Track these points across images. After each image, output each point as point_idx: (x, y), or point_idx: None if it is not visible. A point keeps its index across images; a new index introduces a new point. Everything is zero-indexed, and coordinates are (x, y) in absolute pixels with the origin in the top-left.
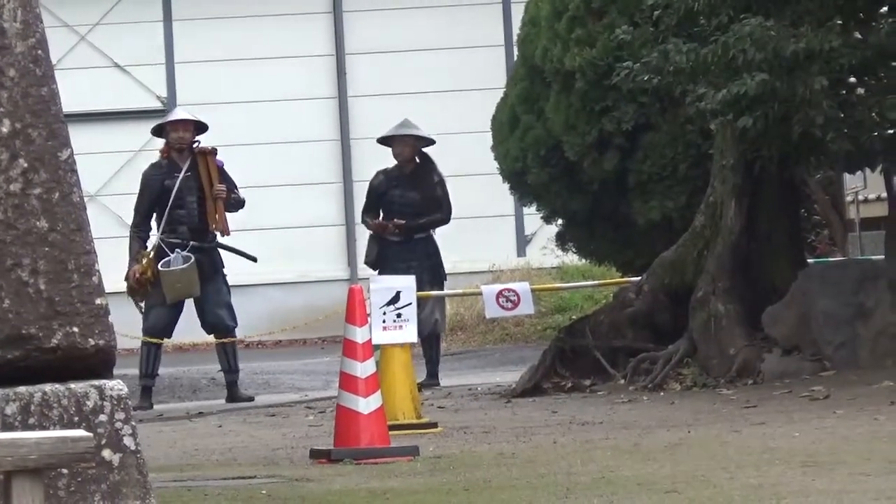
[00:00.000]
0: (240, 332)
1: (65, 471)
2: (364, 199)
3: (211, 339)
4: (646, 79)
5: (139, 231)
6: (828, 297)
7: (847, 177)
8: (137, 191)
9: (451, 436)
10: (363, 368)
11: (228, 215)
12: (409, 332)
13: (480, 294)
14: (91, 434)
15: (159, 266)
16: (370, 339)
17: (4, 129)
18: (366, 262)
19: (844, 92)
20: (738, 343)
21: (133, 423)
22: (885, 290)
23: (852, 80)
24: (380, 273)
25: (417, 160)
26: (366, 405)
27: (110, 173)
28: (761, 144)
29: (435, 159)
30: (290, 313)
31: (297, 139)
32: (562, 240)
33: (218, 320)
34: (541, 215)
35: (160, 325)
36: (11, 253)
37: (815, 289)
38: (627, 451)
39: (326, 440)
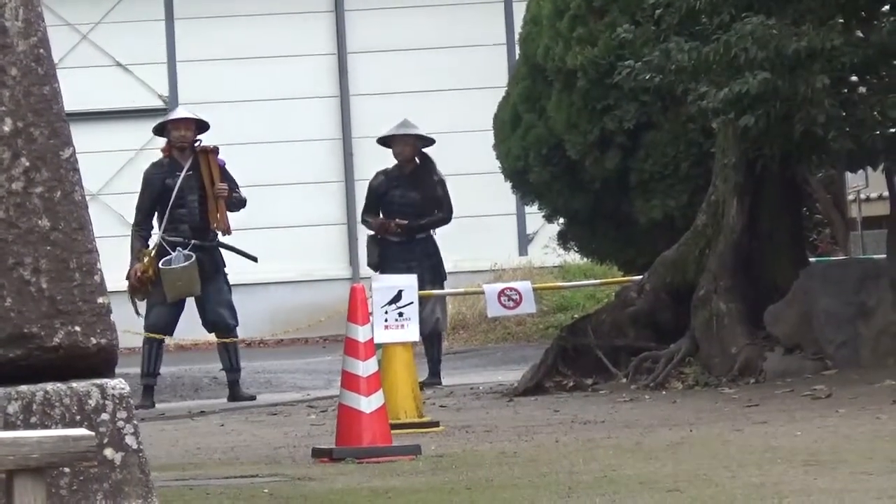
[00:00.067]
0: (242, 332)
1: (67, 470)
2: (364, 200)
3: (212, 337)
4: (647, 77)
5: (140, 230)
6: (829, 295)
7: (849, 175)
8: (139, 190)
9: (453, 435)
10: (365, 367)
11: (229, 214)
12: (410, 331)
13: (482, 293)
14: (93, 433)
15: (160, 264)
16: (372, 338)
17: (6, 128)
18: (369, 265)
19: (846, 90)
20: (740, 342)
21: (135, 422)
22: (886, 289)
23: (854, 78)
24: (381, 273)
25: (417, 160)
26: (368, 404)
27: (112, 172)
28: (763, 143)
29: (436, 158)
30: (291, 312)
31: (298, 138)
32: (563, 239)
33: (219, 319)
34: (542, 214)
35: (161, 323)
36: (13, 252)
37: (817, 288)
38: (629, 449)
39: (328, 439)
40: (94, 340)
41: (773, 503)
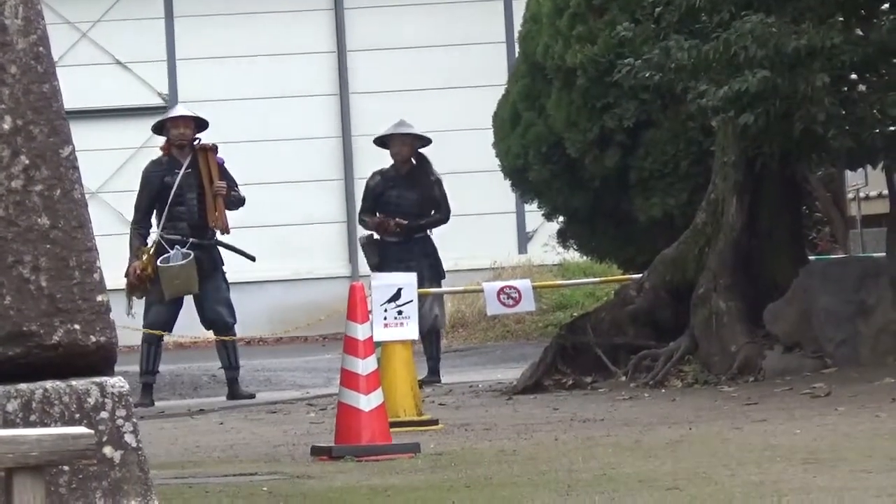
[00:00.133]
0: (241, 330)
1: (66, 468)
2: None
3: (212, 335)
4: (647, 75)
5: (139, 228)
6: (829, 294)
7: (848, 174)
8: (138, 188)
9: (452, 433)
10: (364, 365)
11: (229, 213)
12: (410, 329)
13: (482, 291)
14: (92, 431)
15: (158, 262)
16: (371, 336)
17: (6, 126)
18: (370, 267)
19: (846, 89)
20: (740, 340)
21: (134, 420)
22: (886, 288)
23: (854, 76)
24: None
25: (413, 161)
26: (367, 402)
27: (112, 170)
28: (763, 141)
29: (436, 156)
30: (291, 310)
31: (298, 136)
32: (563, 237)
33: (217, 317)
34: (542, 212)
35: (160, 321)
36: (13, 250)
37: (817, 286)
38: (629, 448)
39: (327, 437)
40: (93, 338)
41: (772, 501)
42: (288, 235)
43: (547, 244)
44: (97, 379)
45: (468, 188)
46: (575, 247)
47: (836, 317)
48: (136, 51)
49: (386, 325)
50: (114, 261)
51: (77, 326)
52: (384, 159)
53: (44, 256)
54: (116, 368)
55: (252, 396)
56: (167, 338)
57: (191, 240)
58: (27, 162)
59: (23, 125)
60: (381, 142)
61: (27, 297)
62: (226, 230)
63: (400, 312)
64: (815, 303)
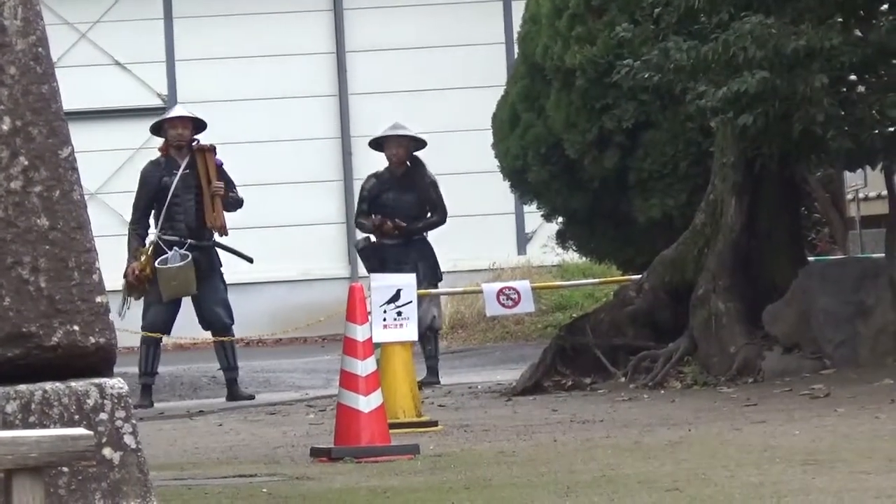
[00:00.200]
0: (240, 331)
1: (65, 469)
2: (357, 203)
3: (210, 336)
4: (646, 76)
5: (137, 228)
6: (828, 295)
7: (847, 175)
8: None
9: (452, 434)
10: (364, 367)
11: (227, 215)
12: (409, 331)
13: (481, 292)
14: (91, 432)
15: (156, 263)
16: (371, 338)
17: (5, 127)
18: (368, 271)
19: (845, 90)
20: (739, 341)
21: (133, 422)
22: (885, 288)
23: (853, 77)
24: None
25: (408, 163)
26: (366, 403)
27: (111, 171)
28: (762, 142)
29: (436, 157)
30: (290, 311)
31: (297, 137)
32: (562, 238)
33: (215, 318)
34: (541, 213)
35: (158, 322)
36: (12, 251)
37: (816, 287)
38: (628, 449)
39: (327, 438)
40: (92, 340)
41: (771, 502)
42: (287, 236)
43: (546, 245)
44: (96, 380)
45: (467, 189)
46: (574, 248)
47: (835, 318)
48: (136, 52)
49: (385, 327)
50: (113, 262)
51: (76, 328)
52: (383, 160)
53: (43, 257)
54: (115, 369)
55: (251, 398)
56: (167, 339)
57: (189, 241)
58: (26, 163)
59: (22, 126)
60: (377, 144)
61: (26, 299)
62: (223, 231)
63: (399, 314)
64: (815, 304)
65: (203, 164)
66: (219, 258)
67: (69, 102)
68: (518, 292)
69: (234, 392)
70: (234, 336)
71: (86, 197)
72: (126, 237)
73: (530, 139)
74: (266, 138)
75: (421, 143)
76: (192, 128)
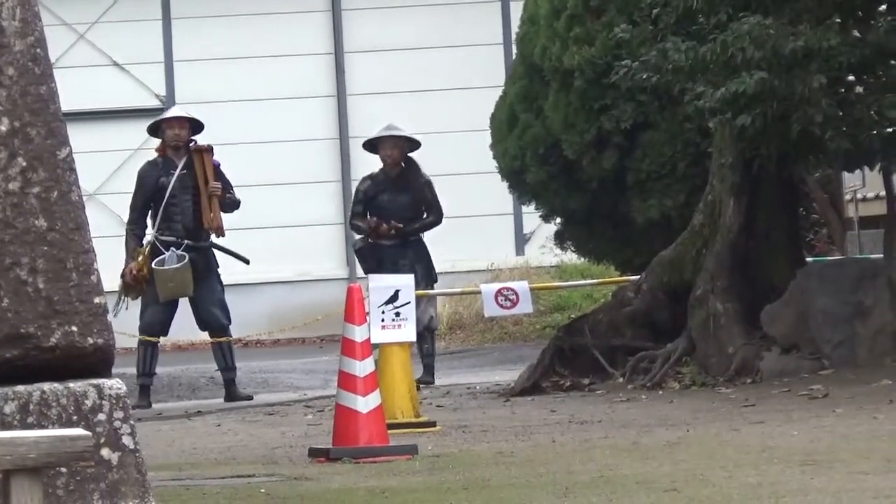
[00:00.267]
0: (238, 332)
1: (63, 470)
2: (352, 205)
3: (208, 337)
4: (644, 77)
5: (135, 228)
6: (826, 295)
7: (846, 175)
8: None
9: (450, 434)
10: (362, 367)
11: (224, 215)
12: (407, 331)
13: (479, 293)
14: (90, 433)
15: (153, 264)
16: (369, 338)
17: (3, 128)
18: (365, 271)
19: (843, 90)
20: (737, 342)
21: (132, 422)
22: (883, 289)
23: (851, 78)
24: None
25: (402, 164)
26: (364, 404)
27: (109, 172)
28: (760, 143)
29: (434, 158)
30: (288, 312)
31: (295, 138)
32: (560, 238)
33: (212, 318)
34: (539, 214)
35: (156, 323)
36: (10, 252)
37: (814, 287)
38: (626, 449)
39: (325, 439)
40: (90, 340)
41: (769, 503)
42: (285, 237)
43: (544, 246)
44: (95, 381)
45: (465, 190)
46: (572, 248)
47: (834, 318)
48: (134, 52)
49: (383, 327)
50: (111, 263)
51: (74, 328)
52: (381, 161)
53: (41, 258)
54: (113, 370)
55: (250, 398)
56: (165, 340)
57: (186, 241)
58: (24, 164)
59: (20, 127)
60: (371, 145)
61: (24, 299)
62: (221, 232)
63: (397, 314)
64: (813, 304)
65: (200, 164)
66: (216, 259)
67: (67, 103)
68: (516, 293)
69: (232, 392)
70: (231, 336)
71: (84, 198)
72: (124, 238)
73: (529, 140)
74: (264, 139)
75: (415, 144)
76: (190, 128)
